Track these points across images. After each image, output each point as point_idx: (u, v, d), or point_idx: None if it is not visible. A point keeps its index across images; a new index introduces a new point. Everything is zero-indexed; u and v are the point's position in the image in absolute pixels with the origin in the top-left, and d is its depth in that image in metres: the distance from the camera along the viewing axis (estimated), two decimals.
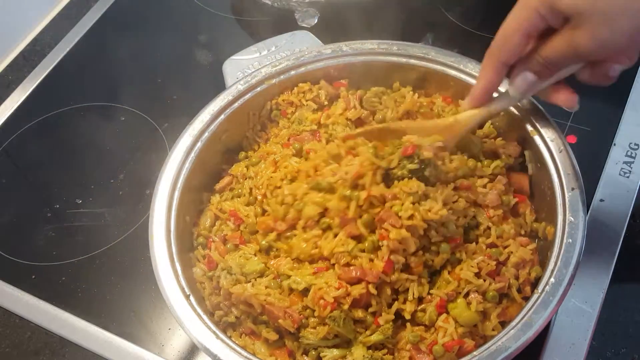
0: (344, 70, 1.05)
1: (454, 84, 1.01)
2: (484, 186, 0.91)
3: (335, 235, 0.84)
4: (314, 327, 0.81)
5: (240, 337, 0.86)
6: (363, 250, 0.83)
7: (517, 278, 0.84)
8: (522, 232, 0.90)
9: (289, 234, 0.88)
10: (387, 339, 0.81)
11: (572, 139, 1.12)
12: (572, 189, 0.85)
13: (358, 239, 0.83)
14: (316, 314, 0.81)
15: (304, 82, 1.05)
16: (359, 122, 1.01)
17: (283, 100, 1.04)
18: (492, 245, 0.86)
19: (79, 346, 0.98)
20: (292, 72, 1.04)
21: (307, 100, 1.04)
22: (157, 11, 1.51)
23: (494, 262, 0.84)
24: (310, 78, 1.05)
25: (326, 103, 1.04)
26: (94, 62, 1.42)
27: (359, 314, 0.82)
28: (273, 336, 0.84)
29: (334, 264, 0.84)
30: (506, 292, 0.84)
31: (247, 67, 1.10)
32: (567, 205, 0.84)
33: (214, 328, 0.80)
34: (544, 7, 0.76)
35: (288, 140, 1.01)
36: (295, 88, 1.05)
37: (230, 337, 0.81)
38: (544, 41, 0.79)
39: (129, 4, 1.52)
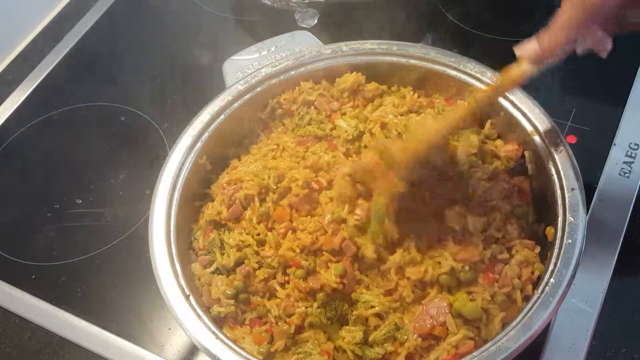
0: (344, 70, 1.05)
1: (453, 84, 1.01)
2: (486, 180, 0.91)
3: None
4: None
5: (233, 330, 0.86)
6: None
7: (519, 277, 0.84)
8: (523, 235, 0.89)
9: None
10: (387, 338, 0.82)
11: (572, 139, 1.12)
12: (572, 189, 0.85)
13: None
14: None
15: (304, 82, 1.04)
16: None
17: (285, 100, 1.04)
18: (495, 241, 0.86)
19: (79, 346, 0.98)
20: (292, 72, 1.04)
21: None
22: (157, 11, 1.51)
23: (486, 250, 0.84)
24: (310, 78, 1.05)
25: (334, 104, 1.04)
26: (94, 62, 1.42)
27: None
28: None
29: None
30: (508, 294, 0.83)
31: (247, 67, 1.10)
32: (567, 206, 0.84)
33: (213, 328, 0.80)
34: None
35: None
36: (296, 88, 1.04)
37: (225, 334, 0.81)
38: None
39: (129, 4, 1.52)
